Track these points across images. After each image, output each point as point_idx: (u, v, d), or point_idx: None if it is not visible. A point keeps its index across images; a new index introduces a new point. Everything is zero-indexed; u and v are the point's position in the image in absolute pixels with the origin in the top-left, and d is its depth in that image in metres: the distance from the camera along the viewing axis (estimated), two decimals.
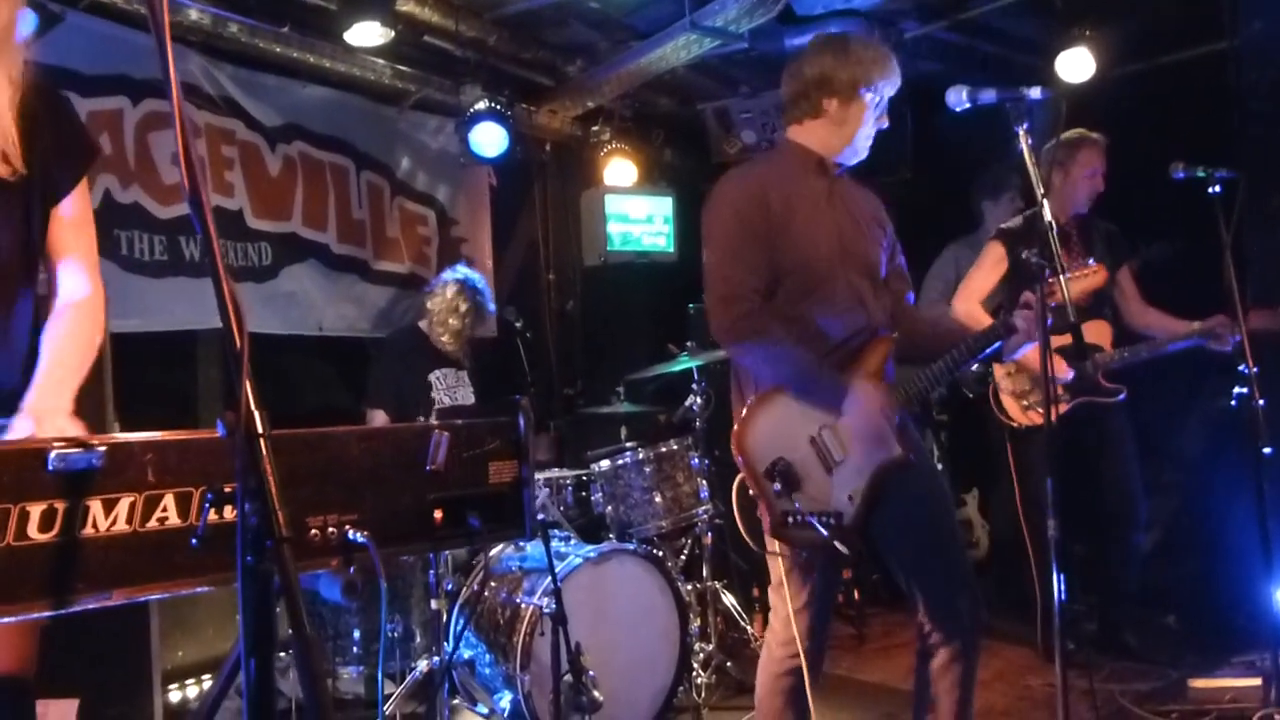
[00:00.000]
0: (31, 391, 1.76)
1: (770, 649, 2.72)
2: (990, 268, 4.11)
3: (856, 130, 2.65)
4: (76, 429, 1.73)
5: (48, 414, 1.71)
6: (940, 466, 5.68)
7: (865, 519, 2.52)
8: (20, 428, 1.67)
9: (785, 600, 2.60)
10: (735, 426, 2.60)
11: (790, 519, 2.48)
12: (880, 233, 2.76)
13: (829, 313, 2.60)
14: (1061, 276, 2.29)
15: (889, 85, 2.65)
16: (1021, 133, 2.37)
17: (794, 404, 2.57)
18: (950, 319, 2.84)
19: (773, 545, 2.58)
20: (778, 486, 2.49)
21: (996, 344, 2.59)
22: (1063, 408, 4.03)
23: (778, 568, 2.62)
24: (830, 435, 2.54)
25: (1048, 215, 2.36)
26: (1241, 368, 3.37)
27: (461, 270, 4.58)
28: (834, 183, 2.71)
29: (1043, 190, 2.38)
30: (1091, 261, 2.64)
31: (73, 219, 1.93)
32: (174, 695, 3.90)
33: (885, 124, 2.70)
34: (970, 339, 2.63)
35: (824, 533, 2.44)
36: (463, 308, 4.42)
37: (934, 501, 2.67)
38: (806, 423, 2.55)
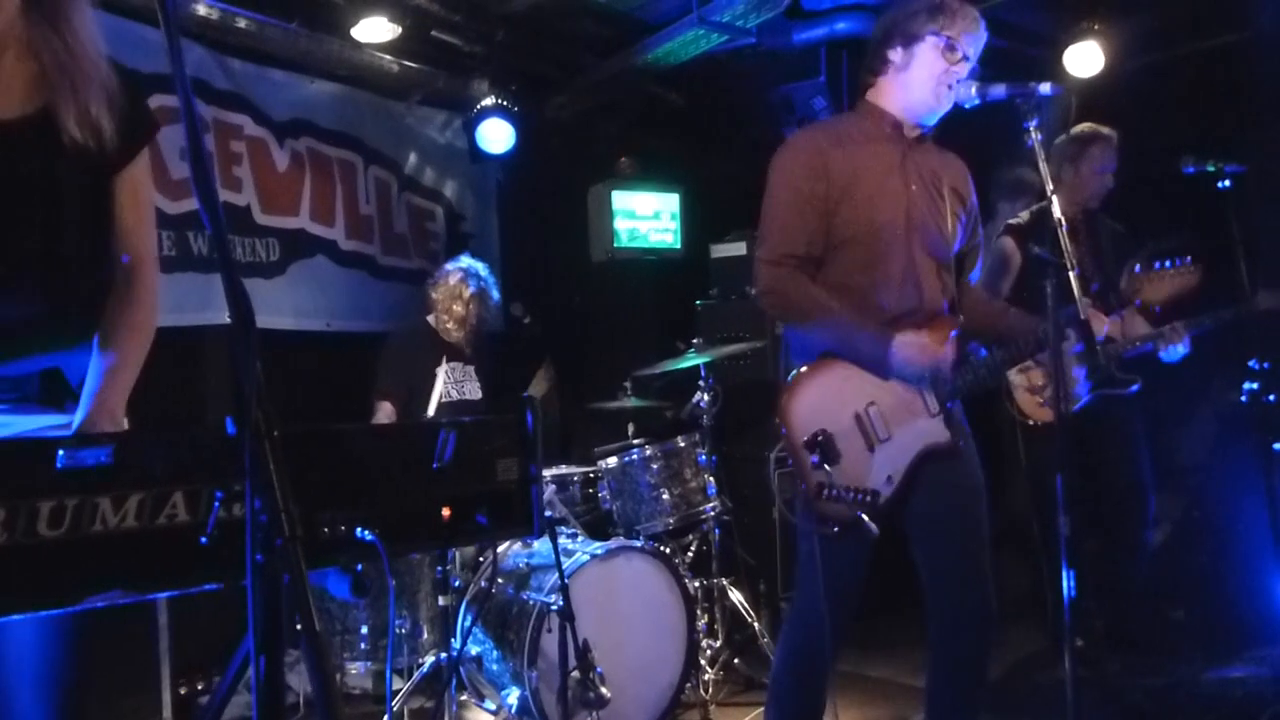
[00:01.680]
0: (88, 399, 1.74)
1: (791, 624, 2.71)
2: (1003, 264, 4.11)
3: (925, 75, 2.55)
4: None
5: (101, 426, 1.70)
6: None
7: (902, 502, 2.51)
8: None
9: (811, 576, 2.58)
10: (782, 394, 2.58)
11: (825, 492, 2.46)
12: (959, 205, 2.68)
13: (882, 287, 2.55)
14: (1072, 273, 2.27)
15: (958, 29, 2.53)
16: (1031, 128, 2.35)
17: (843, 377, 2.55)
18: (1011, 311, 2.79)
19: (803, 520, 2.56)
20: (816, 458, 2.47)
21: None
22: (1078, 402, 4.01)
23: (810, 541, 2.60)
24: (876, 413, 2.52)
25: (1057, 211, 2.34)
26: (1252, 362, 3.35)
27: (465, 259, 4.58)
28: (911, 149, 2.63)
29: (1052, 186, 2.36)
30: (1188, 260, 2.56)
31: (134, 190, 1.85)
32: (184, 690, 3.90)
33: (963, 71, 2.55)
34: (1032, 337, 2.55)
35: (857, 510, 2.43)
36: (467, 294, 4.42)
37: (967, 495, 2.61)
38: (854, 397, 2.53)
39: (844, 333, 2.53)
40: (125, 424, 1.74)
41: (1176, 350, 3.69)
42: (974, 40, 2.57)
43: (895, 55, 2.59)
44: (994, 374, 2.61)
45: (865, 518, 2.43)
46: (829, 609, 2.57)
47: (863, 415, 2.52)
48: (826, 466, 2.48)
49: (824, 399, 2.54)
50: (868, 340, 2.50)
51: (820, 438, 2.49)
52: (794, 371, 2.59)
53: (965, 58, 2.55)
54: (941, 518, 2.56)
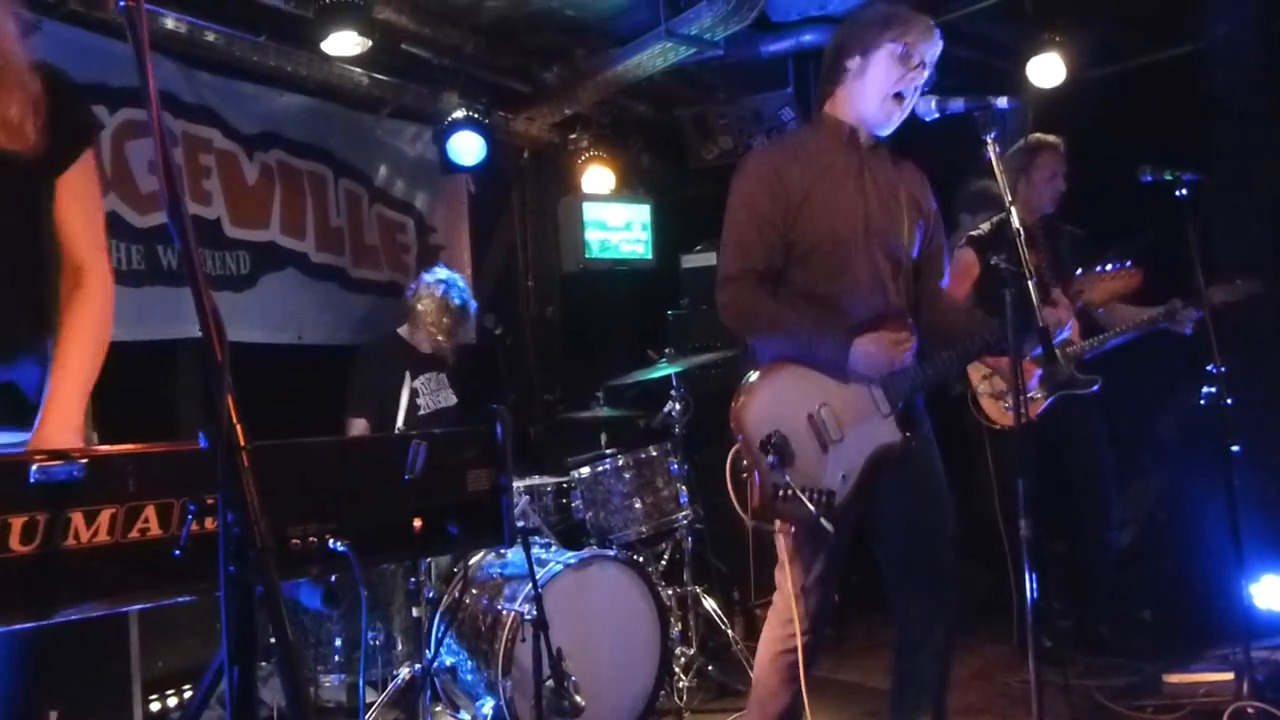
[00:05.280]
0: (43, 411, 1.73)
1: (771, 627, 2.73)
2: (963, 273, 4.17)
3: (881, 82, 2.59)
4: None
5: (57, 437, 1.69)
6: None
7: (858, 502, 2.53)
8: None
9: (789, 579, 2.61)
10: (736, 398, 2.61)
11: (780, 493, 2.49)
12: (915, 212, 2.73)
13: (850, 293, 2.61)
14: (1030, 283, 2.33)
15: (914, 36, 2.58)
16: (989, 141, 2.41)
17: (795, 380, 2.59)
18: (974, 312, 2.87)
19: (776, 524, 2.59)
20: (771, 459, 2.49)
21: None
22: (1040, 406, 4.09)
23: (783, 546, 2.63)
24: (829, 413, 2.55)
25: (1015, 222, 2.40)
26: (1210, 366, 3.42)
27: (442, 271, 4.59)
28: (867, 157, 2.68)
29: (1010, 197, 2.42)
30: (1129, 264, 2.65)
31: (76, 194, 1.86)
32: (154, 705, 3.88)
33: (921, 79, 2.60)
34: (988, 330, 2.59)
35: (812, 509, 2.45)
36: (454, 305, 4.45)
37: (927, 495, 2.65)
38: (806, 399, 2.56)
39: (804, 340, 2.58)
40: (87, 432, 1.74)
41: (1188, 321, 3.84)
42: (930, 48, 2.61)
43: (852, 64, 2.64)
44: (943, 372, 2.64)
45: (821, 518, 2.45)
46: (810, 609, 2.60)
47: (815, 416, 2.56)
48: (782, 468, 2.50)
49: (776, 401, 2.58)
50: (827, 346, 2.55)
51: (775, 439, 2.51)
52: (746, 377, 2.63)
53: (922, 64, 2.59)
54: (902, 519, 2.61)
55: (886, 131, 2.69)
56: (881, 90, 2.61)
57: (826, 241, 2.60)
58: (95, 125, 1.92)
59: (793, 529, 2.55)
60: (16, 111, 1.72)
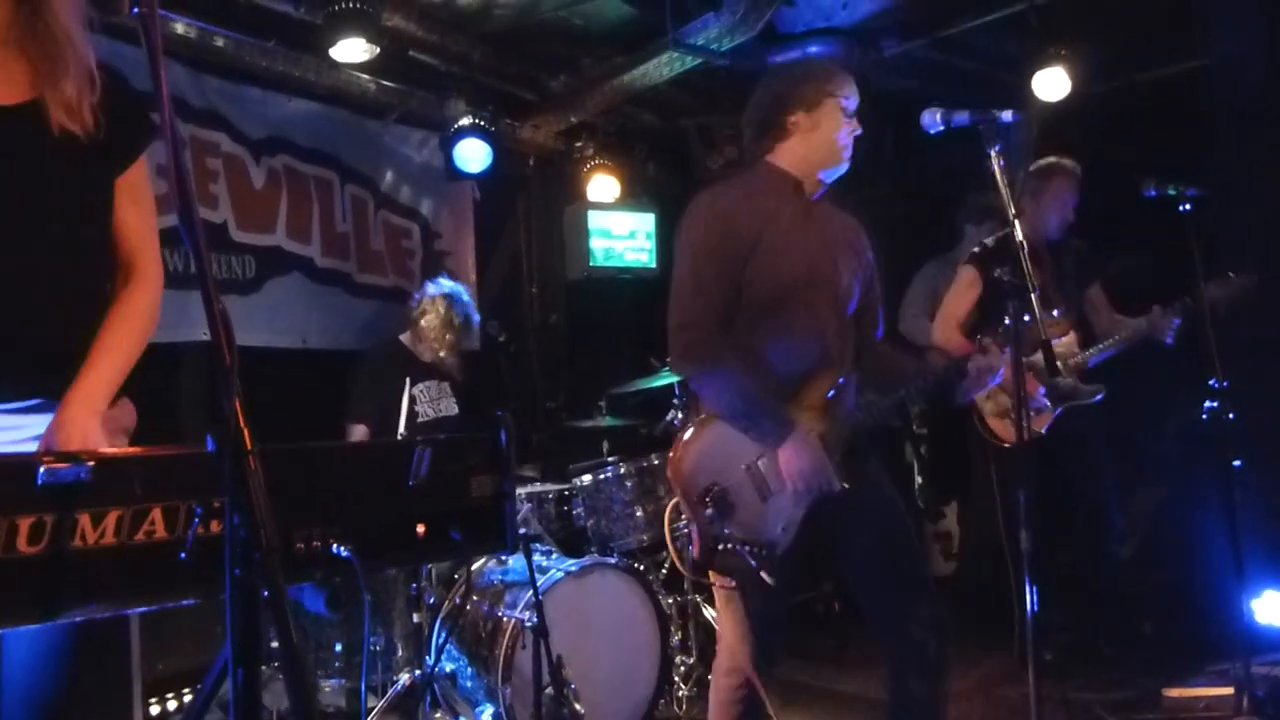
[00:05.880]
0: (68, 394, 1.73)
1: (716, 678, 2.69)
2: (965, 290, 4.16)
3: (832, 134, 2.64)
4: (102, 439, 1.72)
5: (76, 426, 1.70)
6: (920, 480, 5.74)
7: (803, 549, 2.50)
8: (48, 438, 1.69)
9: (728, 629, 2.58)
10: (672, 450, 2.59)
11: (720, 546, 2.46)
12: (855, 262, 2.73)
13: (787, 342, 2.58)
14: (1033, 295, 2.34)
15: (848, 90, 2.66)
16: (993, 154, 2.42)
17: (734, 431, 2.55)
18: (910, 362, 2.88)
19: (711, 576, 2.55)
20: (710, 512, 2.47)
21: (950, 386, 2.59)
22: (1047, 419, 4.09)
23: (720, 595, 2.60)
24: (768, 464, 2.52)
25: (1019, 235, 2.41)
26: (1212, 381, 3.43)
27: (447, 283, 4.60)
28: (811, 207, 2.69)
29: (1013, 210, 2.42)
30: (1056, 314, 2.69)
31: (135, 196, 1.88)
32: (154, 708, 3.88)
33: (859, 130, 2.68)
34: (919, 382, 2.60)
35: (751, 562, 2.42)
36: (458, 321, 4.45)
37: (887, 524, 2.63)
38: (744, 450, 2.54)
39: (750, 408, 2.53)
40: (94, 440, 1.74)
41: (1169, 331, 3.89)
42: (855, 101, 2.69)
43: (798, 119, 2.66)
44: (880, 420, 2.63)
45: (761, 571, 2.42)
46: (752, 655, 2.57)
47: (753, 467, 2.53)
48: (722, 520, 2.47)
49: (715, 453, 2.54)
50: (769, 425, 2.51)
51: (714, 491, 2.49)
52: (685, 430, 2.61)
53: (853, 116, 2.67)
54: (868, 554, 2.59)
55: (830, 180, 2.71)
56: (831, 141, 2.65)
57: (770, 288, 2.58)
58: (153, 128, 1.91)
59: (730, 580, 2.51)
60: (74, 91, 1.73)
